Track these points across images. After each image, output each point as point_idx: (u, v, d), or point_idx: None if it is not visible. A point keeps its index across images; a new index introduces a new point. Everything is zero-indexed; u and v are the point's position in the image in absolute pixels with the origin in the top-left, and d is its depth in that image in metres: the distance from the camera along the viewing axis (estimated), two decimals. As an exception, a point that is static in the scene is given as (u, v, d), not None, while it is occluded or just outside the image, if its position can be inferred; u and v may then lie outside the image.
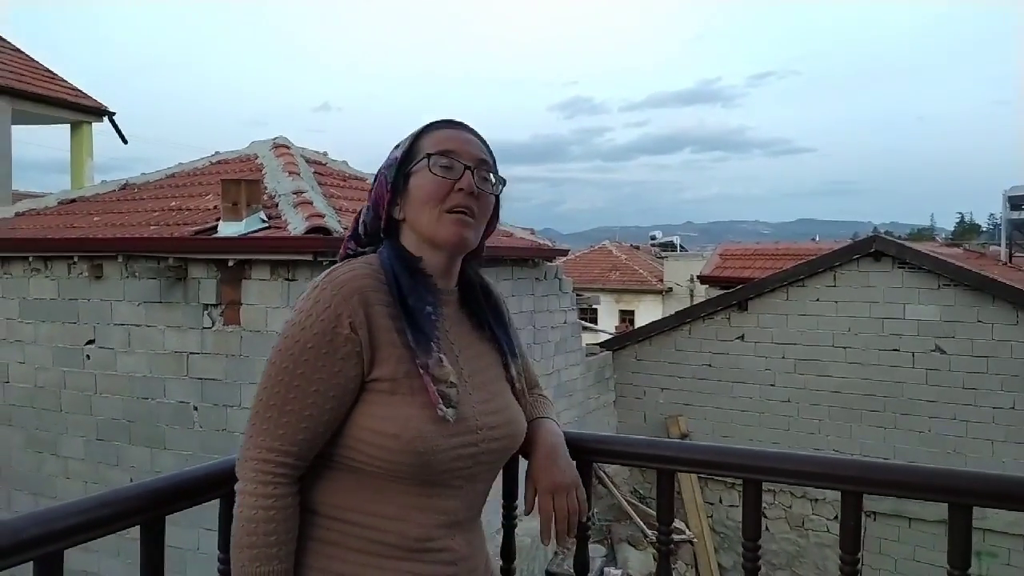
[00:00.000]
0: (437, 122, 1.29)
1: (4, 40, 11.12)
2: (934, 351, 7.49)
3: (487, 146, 1.30)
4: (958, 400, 7.38)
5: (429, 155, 1.22)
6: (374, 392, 1.15)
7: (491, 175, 1.26)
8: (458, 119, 1.30)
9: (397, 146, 1.29)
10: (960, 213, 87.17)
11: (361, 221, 1.31)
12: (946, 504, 1.29)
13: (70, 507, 1.13)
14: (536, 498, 1.32)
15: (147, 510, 1.23)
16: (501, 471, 1.60)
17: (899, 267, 7.68)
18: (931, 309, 7.51)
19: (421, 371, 1.15)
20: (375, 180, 1.30)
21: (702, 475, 7.98)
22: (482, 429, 1.21)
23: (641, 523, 8.12)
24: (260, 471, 1.12)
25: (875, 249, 7.78)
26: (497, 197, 1.29)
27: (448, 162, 1.22)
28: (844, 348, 7.90)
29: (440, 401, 1.14)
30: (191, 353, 5.43)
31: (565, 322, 8.25)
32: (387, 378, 1.14)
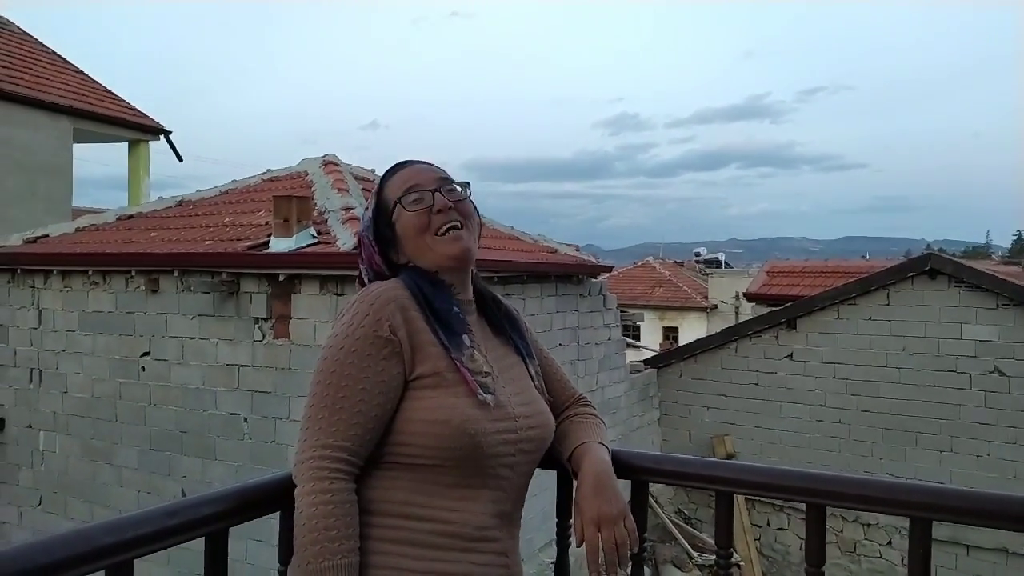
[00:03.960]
0: (388, 172, 1.41)
1: (67, 62, 11.57)
2: (993, 372, 7.25)
3: (440, 168, 1.42)
4: (1019, 423, 7.11)
5: (398, 200, 1.35)
6: (419, 388, 1.23)
7: (455, 185, 1.39)
8: (405, 158, 1.43)
9: (367, 207, 1.41)
10: (1017, 231, 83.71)
11: (367, 280, 1.41)
12: (1006, 532, 1.24)
13: (139, 517, 1.15)
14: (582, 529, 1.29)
15: (213, 522, 1.25)
16: (555, 488, 1.60)
17: (955, 286, 7.46)
18: (989, 329, 7.27)
19: (458, 364, 1.24)
20: (359, 244, 1.42)
21: (751, 497, 7.82)
22: (519, 417, 1.29)
23: (686, 544, 7.98)
24: (316, 468, 1.17)
25: (930, 267, 7.56)
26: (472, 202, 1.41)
27: (416, 195, 1.34)
28: (898, 369, 7.68)
29: (479, 389, 1.23)
30: (242, 366, 5.54)
31: (609, 339, 8.19)
32: (429, 374, 1.23)
